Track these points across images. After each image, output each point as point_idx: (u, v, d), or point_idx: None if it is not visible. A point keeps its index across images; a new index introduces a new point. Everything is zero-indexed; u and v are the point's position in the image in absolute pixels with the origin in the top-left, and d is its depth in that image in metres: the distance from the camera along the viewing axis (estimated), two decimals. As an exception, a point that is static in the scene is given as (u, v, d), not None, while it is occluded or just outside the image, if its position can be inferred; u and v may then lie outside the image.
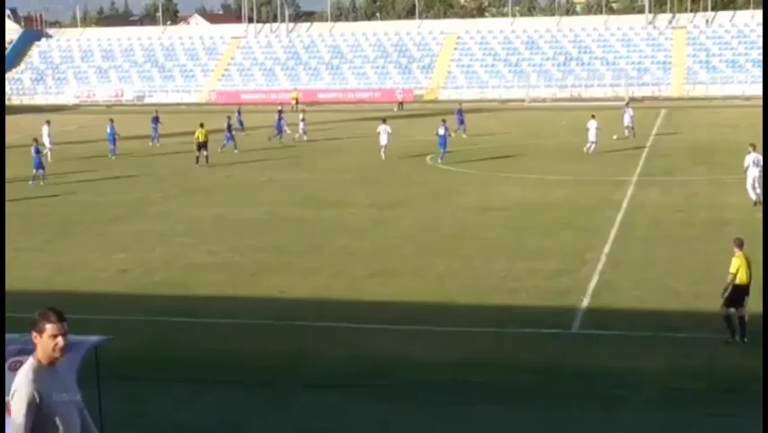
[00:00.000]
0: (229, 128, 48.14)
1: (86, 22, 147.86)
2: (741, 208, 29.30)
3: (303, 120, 53.04)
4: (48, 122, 47.85)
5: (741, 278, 16.91)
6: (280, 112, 53.88)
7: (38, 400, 6.65)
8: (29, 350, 9.62)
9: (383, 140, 43.59)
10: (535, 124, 60.59)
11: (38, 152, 39.00)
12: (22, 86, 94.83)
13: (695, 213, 29.42)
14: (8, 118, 54.60)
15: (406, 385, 15.49)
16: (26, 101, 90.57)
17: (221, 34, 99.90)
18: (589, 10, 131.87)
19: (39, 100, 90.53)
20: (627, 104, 55.68)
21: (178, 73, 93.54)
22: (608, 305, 19.68)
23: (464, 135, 51.62)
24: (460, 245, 25.52)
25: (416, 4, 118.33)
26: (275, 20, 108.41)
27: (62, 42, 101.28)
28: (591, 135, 43.64)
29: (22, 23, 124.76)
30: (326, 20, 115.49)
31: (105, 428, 10.24)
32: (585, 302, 19.82)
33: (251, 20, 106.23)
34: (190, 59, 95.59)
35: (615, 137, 47.03)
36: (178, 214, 31.35)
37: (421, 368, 16.25)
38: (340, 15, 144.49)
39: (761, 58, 78.27)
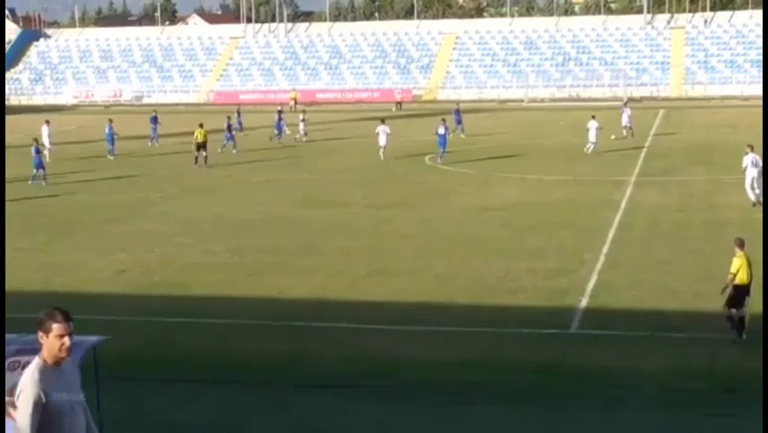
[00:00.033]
0: (229, 128, 48.15)
1: (85, 22, 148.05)
2: (740, 208, 29.31)
3: (303, 120, 53.04)
4: (47, 122, 47.85)
5: (742, 278, 16.91)
6: (280, 112, 53.90)
7: (44, 400, 6.64)
8: (27, 350, 9.63)
9: (382, 140, 43.59)
10: (534, 125, 60.61)
11: (38, 152, 39.00)
12: (21, 86, 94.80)
13: (694, 213, 29.42)
14: (7, 118, 54.51)
15: (405, 385, 15.48)
16: (24, 101, 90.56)
17: (219, 34, 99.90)
18: (587, 10, 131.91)
19: (37, 100, 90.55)
20: (626, 104, 55.69)
21: (176, 73, 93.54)
22: (606, 305, 19.67)
23: (462, 135, 51.63)
24: (458, 245, 25.51)
25: (415, 5, 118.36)
26: (273, 20, 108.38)
27: (61, 43, 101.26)
28: (592, 136, 43.65)
29: (21, 24, 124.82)
30: (325, 20, 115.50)
31: (105, 429, 10.22)
32: (584, 302, 19.82)
33: (249, 20, 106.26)
34: (189, 59, 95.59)
35: (613, 137, 47.04)
36: (177, 214, 31.34)
37: (420, 368, 16.24)
38: (338, 15, 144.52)
39: (759, 58, 78.42)
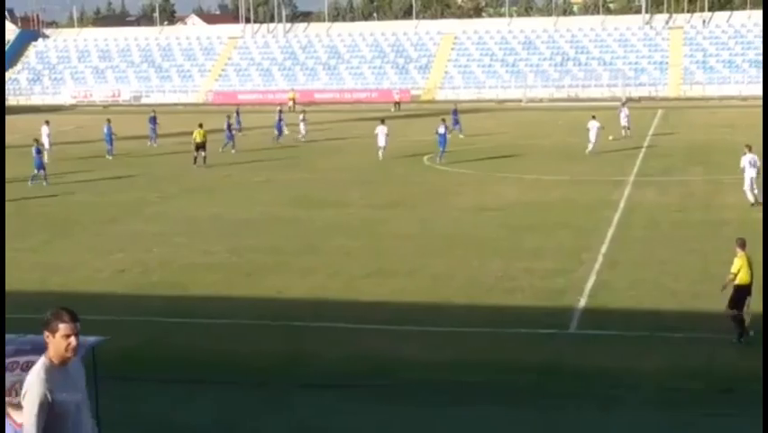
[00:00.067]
0: (229, 128, 48.17)
1: (83, 22, 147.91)
2: (738, 208, 29.32)
3: (304, 120, 53.04)
4: (47, 122, 47.85)
5: (743, 278, 16.91)
6: (280, 112, 53.90)
7: (50, 399, 6.65)
8: (25, 351, 9.63)
9: (381, 141, 43.59)
10: (532, 125, 60.60)
11: (39, 152, 38.98)
12: (19, 86, 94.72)
13: (692, 213, 29.44)
14: (6, 118, 54.46)
15: (404, 385, 15.49)
16: (23, 101, 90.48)
17: (218, 34, 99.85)
18: (586, 10, 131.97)
19: (36, 100, 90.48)
20: (624, 104, 55.70)
21: (175, 73, 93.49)
22: (604, 305, 19.68)
23: (461, 135, 51.61)
24: (456, 245, 25.52)
25: (413, 5, 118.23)
26: (272, 20, 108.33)
27: (59, 43, 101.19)
28: (592, 136, 43.65)
29: (19, 24, 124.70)
30: (323, 20, 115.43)
31: (103, 429, 10.22)
32: (582, 302, 19.83)
33: (248, 20, 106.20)
34: (187, 59, 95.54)
35: (611, 137, 47.02)
36: (176, 214, 31.35)
37: (418, 368, 16.25)
38: (337, 15, 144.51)
39: (757, 58, 78.51)
